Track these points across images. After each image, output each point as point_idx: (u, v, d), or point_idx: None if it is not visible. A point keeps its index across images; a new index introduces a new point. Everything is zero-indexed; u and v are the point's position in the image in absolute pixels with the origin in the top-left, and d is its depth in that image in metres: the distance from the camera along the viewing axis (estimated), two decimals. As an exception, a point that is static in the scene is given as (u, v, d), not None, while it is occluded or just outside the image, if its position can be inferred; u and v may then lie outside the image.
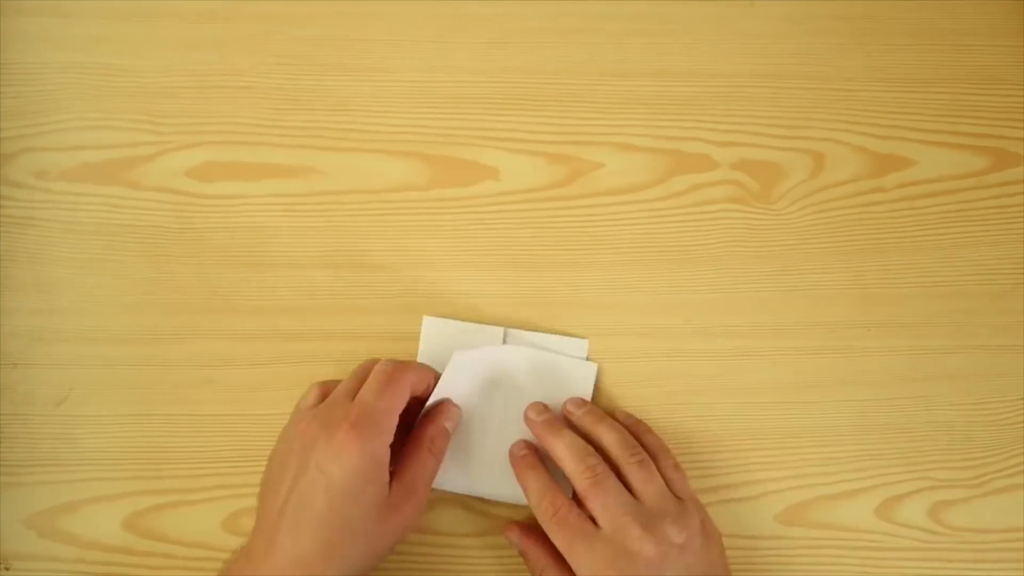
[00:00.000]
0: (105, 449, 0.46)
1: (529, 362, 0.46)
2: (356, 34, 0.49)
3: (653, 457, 0.43)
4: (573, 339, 0.47)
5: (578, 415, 0.44)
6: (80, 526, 0.45)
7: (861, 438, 0.46)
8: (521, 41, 0.49)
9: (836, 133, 0.48)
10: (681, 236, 0.48)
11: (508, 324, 0.47)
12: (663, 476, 0.42)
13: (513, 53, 0.49)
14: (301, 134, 0.48)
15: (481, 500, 0.46)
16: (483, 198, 0.48)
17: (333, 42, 0.48)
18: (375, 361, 0.42)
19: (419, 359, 0.45)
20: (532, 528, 0.43)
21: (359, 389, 0.40)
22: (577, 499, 0.41)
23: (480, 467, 0.45)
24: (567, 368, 0.46)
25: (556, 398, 0.45)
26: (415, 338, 0.46)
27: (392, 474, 0.40)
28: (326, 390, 0.42)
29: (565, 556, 0.40)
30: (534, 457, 0.44)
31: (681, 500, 0.41)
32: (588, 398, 0.46)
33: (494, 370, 0.45)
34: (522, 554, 0.44)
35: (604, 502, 0.40)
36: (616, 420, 0.44)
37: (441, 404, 0.44)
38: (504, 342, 0.46)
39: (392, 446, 0.40)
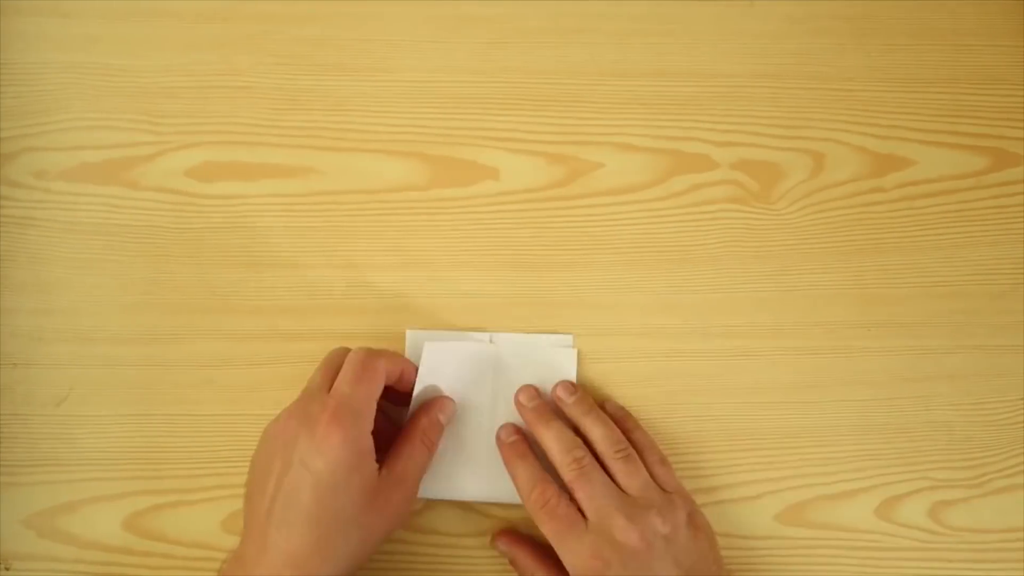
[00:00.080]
0: (105, 449, 0.46)
1: (508, 352, 0.46)
2: (355, 34, 0.49)
3: (640, 452, 0.43)
4: (558, 336, 0.47)
5: (568, 403, 0.44)
6: (80, 526, 0.45)
7: (861, 438, 0.46)
8: (521, 41, 0.49)
9: (836, 133, 0.48)
10: (681, 236, 0.48)
11: (508, 324, 0.47)
12: (649, 471, 0.42)
13: (513, 53, 0.49)
14: (300, 134, 0.48)
15: (491, 504, 0.46)
16: (483, 198, 0.48)
17: (332, 42, 0.48)
18: (343, 351, 0.42)
19: (417, 387, 0.45)
20: (518, 535, 0.44)
21: (333, 380, 0.40)
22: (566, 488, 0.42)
23: (465, 469, 0.45)
24: (547, 356, 0.46)
25: (540, 386, 0.45)
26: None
27: (382, 464, 0.40)
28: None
29: (554, 546, 0.40)
30: (523, 445, 0.44)
31: (667, 493, 0.41)
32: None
33: (472, 362, 0.45)
34: (511, 561, 0.44)
35: (589, 494, 0.40)
36: (606, 412, 0.44)
37: (435, 397, 0.44)
38: (491, 344, 0.46)
39: (382, 439, 0.40)
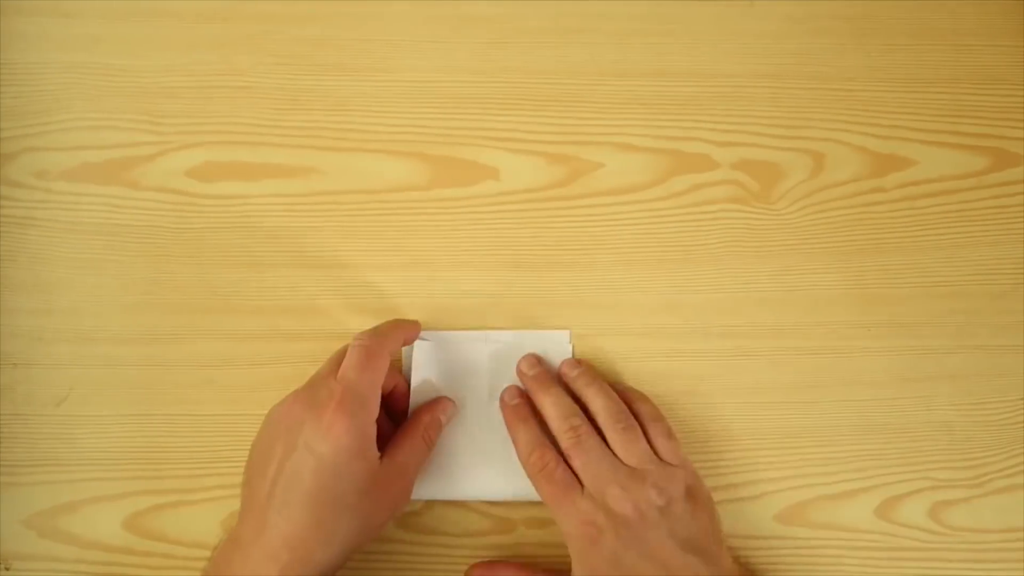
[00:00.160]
0: (105, 449, 0.46)
1: (503, 350, 0.46)
2: (356, 34, 0.49)
3: (644, 424, 0.43)
4: (556, 332, 0.47)
5: (571, 376, 0.45)
6: (80, 526, 0.45)
7: (861, 438, 0.46)
8: (521, 41, 0.49)
9: (836, 133, 0.48)
10: (681, 236, 0.48)
11: (509, 324, 0.47)
12: (653, 443, 0.42)
13: (513, 53, 0.49)
14: (301, 134, 0.48)
15: (487, 502, 0.46)
16: (483, 198, 0.48)
17: (333, 42, 0.49)
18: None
19: (414, 384, 0.45)
20: (495, 563, 0.44)
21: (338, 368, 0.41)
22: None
23: (462, 468, 0.45)
24: (541, 353, 0.46)
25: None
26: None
27: (384, 454, 0.40)
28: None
29: (551, 511, 0.41)
30: (525, 408, 0.44)
31: (668, 465, 0.41)
32: None
33: (466, 359, 0.46)
34: None
35: (585, 461, 0.41)
36: (614, 390, 0.44)
37: (438, 398, 0.45)
38: (486, 343, 0.46)
39: (380, 433, 0.40)
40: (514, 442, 0.43)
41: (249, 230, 0.47)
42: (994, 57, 0.49)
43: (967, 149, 0.49)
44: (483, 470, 0.44)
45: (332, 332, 0.46)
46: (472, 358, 0.46)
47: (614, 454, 0.41)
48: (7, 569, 0.45)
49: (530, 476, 0.42)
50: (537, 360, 0.45)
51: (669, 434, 0.43)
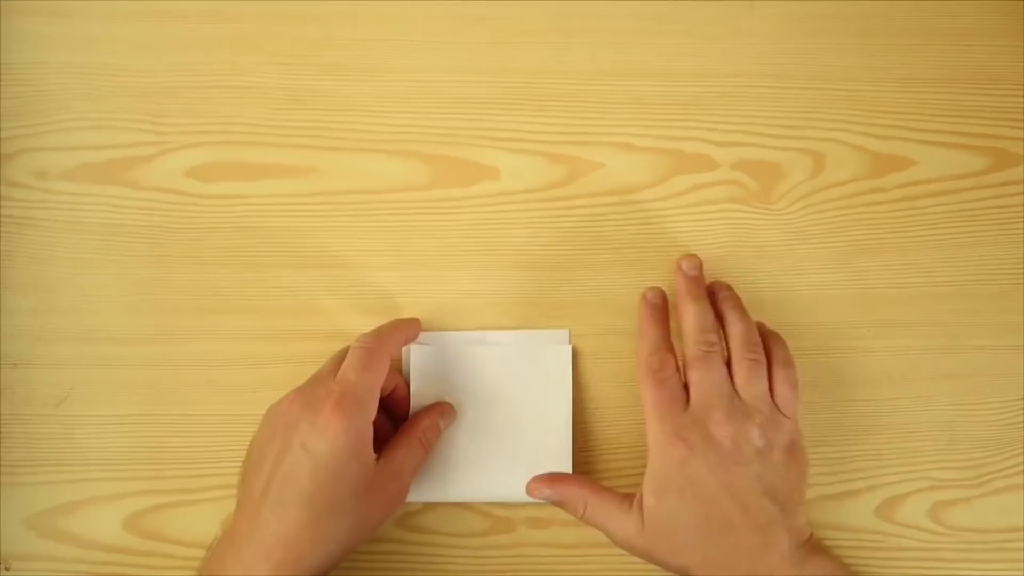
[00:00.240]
0: (105, 449, 0.46)
1: (501, 351, 0.46)
2: (356, 34, 0.49)
3: (773, 365, 0.42)
4: (555, 331, 0.47)
5: (721, 295, 0.45)
6: (80, 526, 0.45)
7: (861, 438, 0.46)
8: (521, 41, 0.49)
9: (836, 133, 0.48)
10: (681, 236, 0.48)
11: (509, 324, 0.47)
12: (774, 387, 0.42)
13: (513, 53, 0.49)
14: (301, 134, 0.48)
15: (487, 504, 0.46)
16: (483, 198, 0.48)
17: (333, 42, 0.48)
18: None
19: (412, 386, 0.45)
20: (556, 475, 0.43)
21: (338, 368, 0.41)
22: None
23: (461, 469, 0.45)
24: (542, 355, 0.46)
25: (535, 385, 0.45)
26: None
27: (380, 455, 0.40)
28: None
29: (648, 415, 0.40)
30: (665, 311, 0.44)
31: (779, 412, 0.41)
32: (567, 382, 0.46)
33: (464, 361, 0.46)
34: (559, 503, 0.43)
35: (703, 377, 0.41)
36: (760, 330, 0.44)
37: (439, 402, 0.45)
38: (485, 343, 0.46)
39: (379, 436, 0.40)
40: (641, 336, 0.43)
41: (249, 230, 0.47)
42: (994, 57, 0.49)
43: (967, 149, 0.49)
44: (482, 472, 0.44)
45: (332, 332, 0.46)
46: (471, 360, 0.46)
47: (733, 385, 0.41)
48: (7, 569, 0.45)
49: (642, 373, 0.41)
50: (699, 263, 0.45)
51: (793, 384, 0.42)
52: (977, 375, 0.47)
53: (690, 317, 0.43)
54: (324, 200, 0.47)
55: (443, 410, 0.44)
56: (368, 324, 0.46)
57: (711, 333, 0.42)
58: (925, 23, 0.49)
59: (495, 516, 0.46)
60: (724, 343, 0.43)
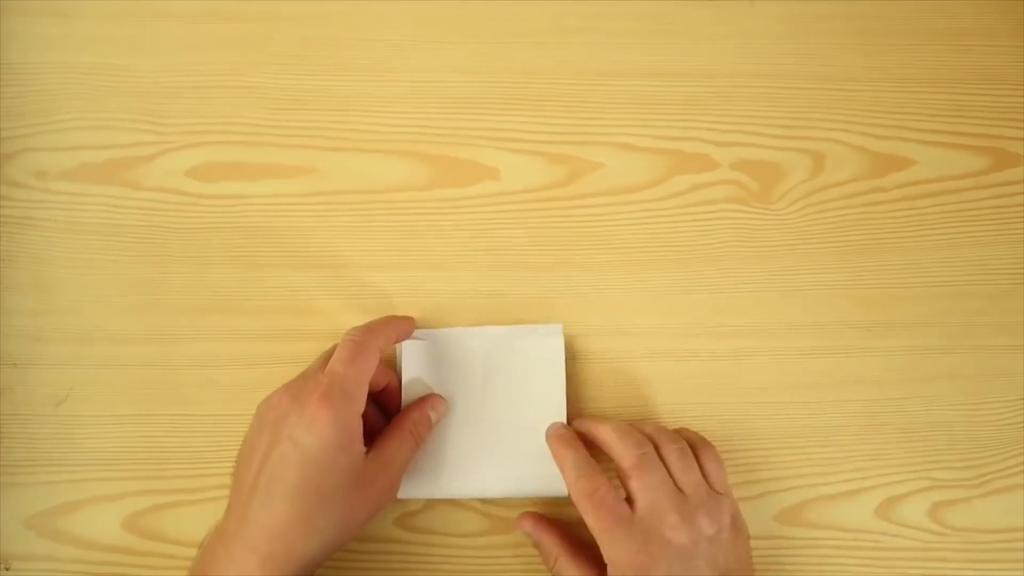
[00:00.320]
0: (105, 449, 0.46)
1: (494, 345, 0.46)
2: (356, 34, 0.49)
3: (694, 449, 0.42)
4: (547, 326, 0.47)
5: (613, 423, 0.44)
6: (80, 526, 0.45)
7: (861, 438, 0.46)
8: (521, 41, 0.49)
9: (836, 133, 0.48)
10: (681, 236, 0.48)
11: (508, 324, 0.47)
12: (704, 468, 0.42)
13: (513, 53, 0.49)
14: (301, 134, 0.48)
15: (481, 500, 0.46)
16: (483, 198, 0.48)
17: (333, 42, 0.48)
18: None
19: (404, 382, 0.45)
20: (544, 518, 0.44)
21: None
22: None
23: (457, 466, 0.45)
24: (535, 349, 0.46)
25: (527, 378, 0.45)
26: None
27: (370, 449, 0.40)
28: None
29: (597, 537, 0.40)
30: (572, 435, 0.43)
31: (717, 493, 0.41)
32: (560, 376, 0.45)
33: (457, 357, 0.46)
34: (536, 544, 0.44)
35: (648, 482, 0.40)
36: None
37: (429, 395, 0.45)
38: (478, 339, 0.46)
39: (372, 432, 0.40)
40: (561, 466, 0.42)
41: (249, 230, 0.47)
42: (994, 57, 0.49)
43: (967, 149, 0.49)
44: (477, 468, 0.44)
45: (332, 332, 0.46)
46: (464, 355, 0.46)
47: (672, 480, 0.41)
48: (7, 569, 0.45)
49: (577, 500, 0.41)
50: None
51: (719, 459, 0.43)
52: (977, 375, 0.47)
53: (610, 432, 0.42)
54: (324, 200, 0.47)
55: (434, 403, 0.44)
56: (368, 324, 0.46)
57: (644, 443, 0.41)
58: (924, 23, 0.49)
59: (495, 516, 0.46)
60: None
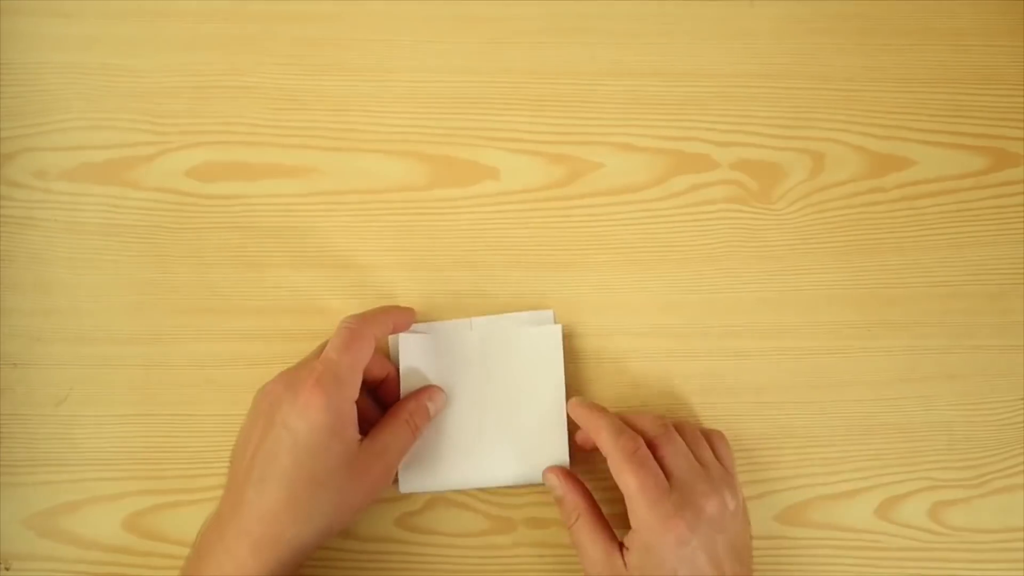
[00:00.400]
0: (105, 449, 0.46)
1: (491, 336, 0.46)
2: (356, 34, 0.49)
3: (705, 434, 0.43)
4: (539, 312, 0.47)
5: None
6: (80, 526, 0.45)
7: (861, 438, 0.46)
8: (521, 41, 0.49)
9: (836, 133, 0.48)
10: (681, 236, 0.48)
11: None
12: (715, 449, 0.42)
13: (513, 53, 0.49)
14: (301, 134, 0.48)
15: (481, 500, 0.46)
16: (483, 198, 0.48)
17: (333, 42, 0.48)
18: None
19: (403, 374, 0.45)
20: (572, 475, 0.43)
21: None
22: None
23: (455, 458, 0.45)
24: (532, 338, 0.46)
25: (526, 368, 0.45)
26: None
27: (365, 437, 0.40)
28: None
29: (632, 498, 0.39)
30: (598, 404, 0.43)
31: (728, 472, 0.42)
32: (559, 363, 0.45)
33: (454, 349, 0.46)
34: (558, 500, 0.43)
35: (675, 450, 0.40)
36: None
37: (426, 386, 0.45)
38: (471, 330, 0.46)
39: (370, 425, 0.41)
40: (596, 431, 0.41)
41: (249, 230, 0.47)
42: (993, 57, 0.49)
43: (966, 149, 0.49)
44: (477, 459, 0.44)
45: (331, 332, 0.46)
46: (461, 346, 0.46)
47: None
48: (7, 569, 0.45)
49: (615, 462, 0.40)
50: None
51: (727, 443, 0.43)
52: (977, 375, 0.47)
53: (632, 416, 0.43)
54: (324, 200, 0.47)
55: (432, 394, 0.44)
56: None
57: (663, 418, 0.42)
58: (924, 23, 0.49)
59: (495, 516, 0.46)
60: None
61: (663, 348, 0.47)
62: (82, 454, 0.46)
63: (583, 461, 0.45)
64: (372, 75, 0.48)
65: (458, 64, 0.49)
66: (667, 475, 0.40)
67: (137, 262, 0.47)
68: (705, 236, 0.48)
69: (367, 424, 0.41)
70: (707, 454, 0.42)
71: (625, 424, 0.42)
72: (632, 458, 0.39)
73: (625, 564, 0.39)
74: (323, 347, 0.42)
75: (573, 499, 0.42)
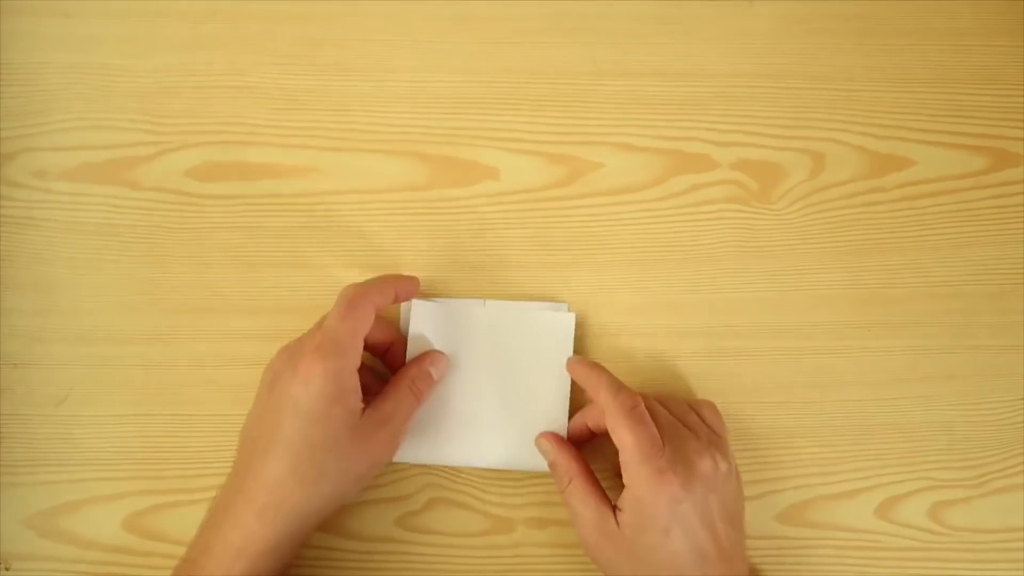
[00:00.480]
0: (105, 449, 0.46)
1: (503, 315, 0.46)
2: (356, 34, 0.49)
3: (693, 404, 0.43)
4: (553, 303, 0.47)
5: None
6: (80, 526, 0.45)
7: (861, 438, 0.46)
8: (521, 41, 0.49)
9: (836, 133, 0.48)
10: (681, 236, 0.48)
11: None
12: (702, 414, 0.43)
13: (513, 53, 0.49)
14: (300, 134, 0.48)
15: (481, 500, 0.46)
16: (483, 198, 0.48)
17: (333, 42, 0.49)
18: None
19: (410, 340, 0.45)
20: (563, 440, 0.44)
21: None
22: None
23: (458, 432, 0.45)
24: (544, 321, 0.46)
25: (535, 351, 0.45)
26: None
27: (368, 405, 0.40)
28: None
29: (628, 454, 0.39)
30: (598, 364, 0.43)
31: (717, 434, 0.42)
32: (569, 350, 0.45)
33: (465, 323, 0.46)
34: (551, 465, 0.43)
35: (663, 414, 0.41)
36: None
37: (429, 352, 0.44)
38: (484, 307, 0.46)
39: (375, 391, 0.41)
40: (594, 387, 0.42)
41: (249, 230, 0.47)
42: (993, 57, 0.49)
43: (966, 149, 0.49)
44: (478, 435, 0.45)
45: (332, 332, 0.46)
46: (470, 323, 0.46)
47: None
48: (7, 569, 0.45)
49: (614, 418, 0.40)
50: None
51: (716, 410, 0.43)
52: (977, 375, 0.47)
53: (612, 378, 0.43)
54: (324, 200, 0.48)
55: (434, 359, 0.44)
56: (368, 324, 0.46)
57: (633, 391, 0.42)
58: (923, 23, 0.49)
59: (495, 516, 0.46)
60: None
61: (663, 348, 0.47)
62: (82, 454, 0.46)
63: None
64: (372, 75, 0.48)
65: (458, 64, 0.49)
66: (660, 434, 0.40)
67: (137, 262, 0.47)
68: (705, 236, 0.48)
69: (373, 396, 0.41)
70: (692, 418, 0.42)
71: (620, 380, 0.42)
72: (631, 414, 0.40)
73: (618, 524, 0.39)
74: (322, 318, 0.42)
75: (566, 462, 0.42)
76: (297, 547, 0.40)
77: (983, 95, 0.49)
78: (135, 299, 0.47)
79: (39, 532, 0.45)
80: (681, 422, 0.41)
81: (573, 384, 0.45)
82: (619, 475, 0.40)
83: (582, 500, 0.41)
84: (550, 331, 0.46)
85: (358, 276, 0.47)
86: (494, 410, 0.45)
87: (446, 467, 0.45)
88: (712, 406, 0.44)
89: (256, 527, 0.38)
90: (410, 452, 0.44)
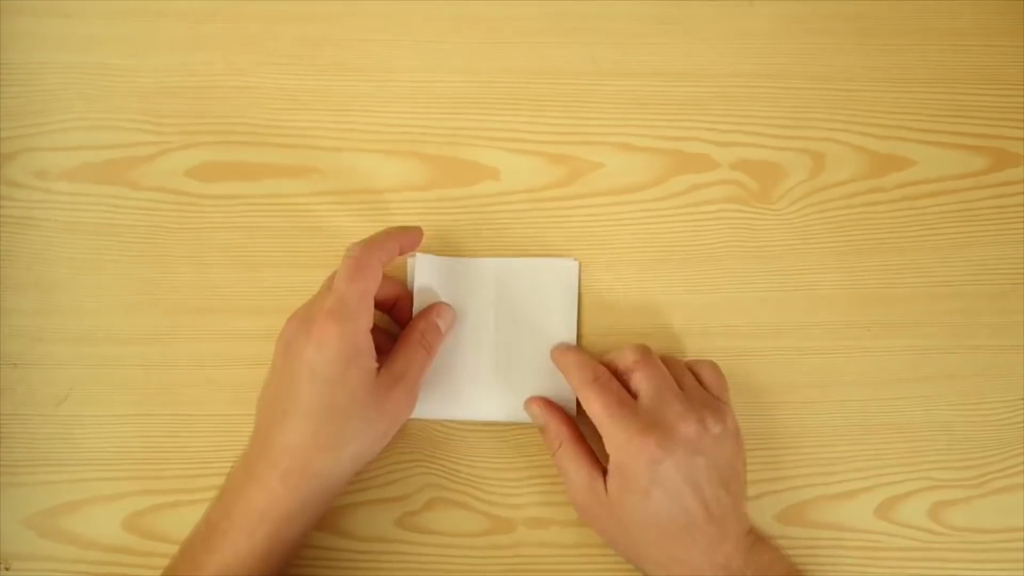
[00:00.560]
0: (105, 449, 0.46)
1: (509, 270, 0.46)
2: (356, 34, 0.49)
3: (692, 364, 0.43)
4: (562, 259, 0.47)
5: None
6: (80, 526, 0.45)
7: (861, 438, 0.46)
8: (521, 41, 0.49)
9: (836, 133, 0.48)
10: (681, 236, 0.48)
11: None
12: (703, 378, 0.43)
13: (513, 53, 0.49)
14: (301, 134, 0.48)
15: (481, 500, 0.46)
16: (483, 198, 0.48)
17: (333, 42, 0.49)
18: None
19: (416, 294, 0.45)
20: (553, 403, 0.44)
21: None
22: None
23: (466, 386, 0.45)
24: (550, 274, 0.46)
25: (541, 300, 0.46)
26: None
27: (381, 365, 0.40)
28: None
29: (600, 424, 0.40)
30: (573, 346, 0.44)
31: (717, 399, 0.42)
32: (574, 297, 0.46)
33: (471, 278, 0.46)
34: (542, 429, 0.44)
35: (651, 373, 0.41)
36: None
37: (434, 304, 0.44)
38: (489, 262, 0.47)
39: (384, 354, 0.41)
40: (564, 365, 0.43)
41: (249, 230, 0.47)
42: (993, 57, 0.49)
43: (966, 149, 0.49)
44: (486, 389, 0.45)
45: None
46: (477, 278, 0.46)
47: None
48: (7, 569, 0.45)
49: (580, 388, 0.41)
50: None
51: (718, 370, 0.43)
52: (977, 375, 0.47)
53: (614, 352, 0.43)
54: (324, 200, 0.48)
55: (440, 311, 0.44)
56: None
57: (638, 344, 0.42)
58: (923, 23, 0.49)
59: (495, 516, 0.46)
60: None
61: (663, 348, 0.47)
62: (82, 454, 0.46)
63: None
64: (372, 75, 0.48)
65: (458, 64, 0.49)
66: (636, 398, 0.40)
67: (137, 262, 0.47)
68: (705, 236, 0.48)
69: (384, 355, 0.41)
70: (689, 380, 0.42)
71: (599, 358, 0.43)
72: (593, 384, 0.40)
73: (606, 490, 0.40)
74: (329, 281, 0.42)
75: (556, 426, 0.43)
76: (320, 513, 0.40)
77: (983, 95, 0.49)
78: (135, 299, 0.47)
79: (39, 532, 0.45)
80: (677, 383, 0.41)
81: (580, 331, 0.45)
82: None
83: (573, 464, 0.41)
84: (554, 279, 0.46)
85: (358, 276, 0.47)
86: (499, 362, 0.45)
87: (460, 421, 0.45)
88: (712, 365, 0.43)
89: (280, 491, 0.38)
90: (426, 408, 0.44)
